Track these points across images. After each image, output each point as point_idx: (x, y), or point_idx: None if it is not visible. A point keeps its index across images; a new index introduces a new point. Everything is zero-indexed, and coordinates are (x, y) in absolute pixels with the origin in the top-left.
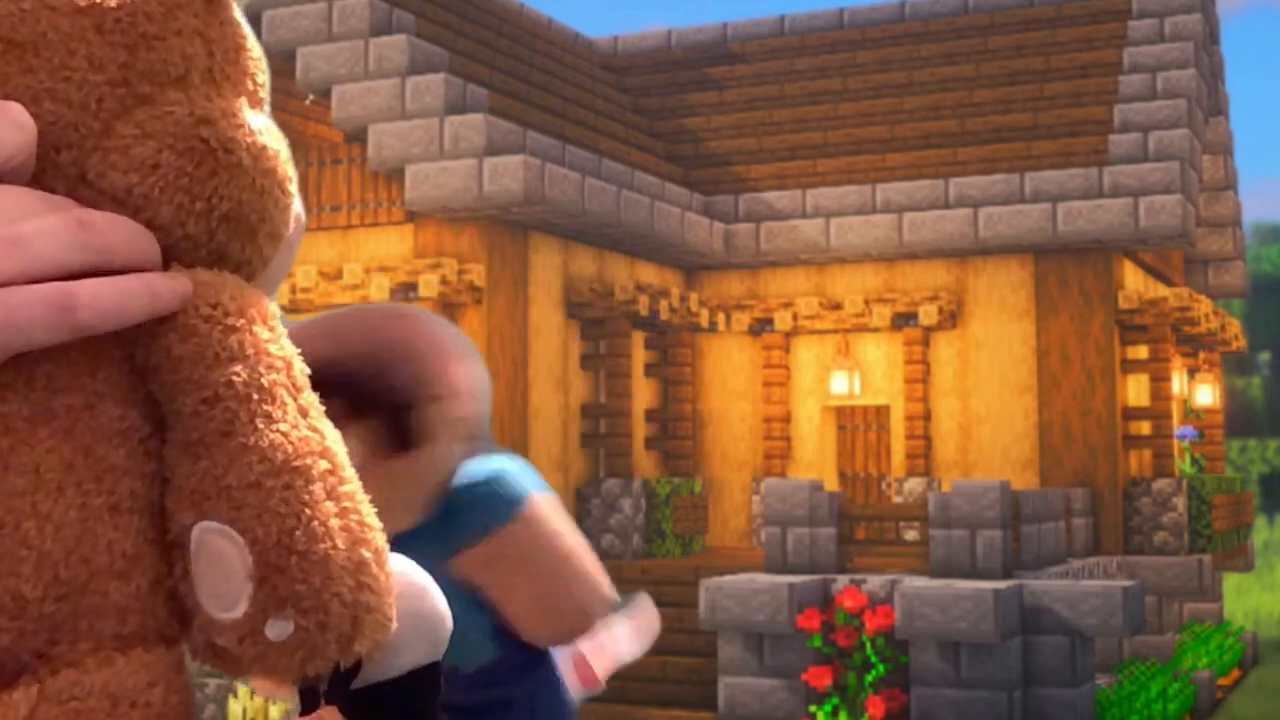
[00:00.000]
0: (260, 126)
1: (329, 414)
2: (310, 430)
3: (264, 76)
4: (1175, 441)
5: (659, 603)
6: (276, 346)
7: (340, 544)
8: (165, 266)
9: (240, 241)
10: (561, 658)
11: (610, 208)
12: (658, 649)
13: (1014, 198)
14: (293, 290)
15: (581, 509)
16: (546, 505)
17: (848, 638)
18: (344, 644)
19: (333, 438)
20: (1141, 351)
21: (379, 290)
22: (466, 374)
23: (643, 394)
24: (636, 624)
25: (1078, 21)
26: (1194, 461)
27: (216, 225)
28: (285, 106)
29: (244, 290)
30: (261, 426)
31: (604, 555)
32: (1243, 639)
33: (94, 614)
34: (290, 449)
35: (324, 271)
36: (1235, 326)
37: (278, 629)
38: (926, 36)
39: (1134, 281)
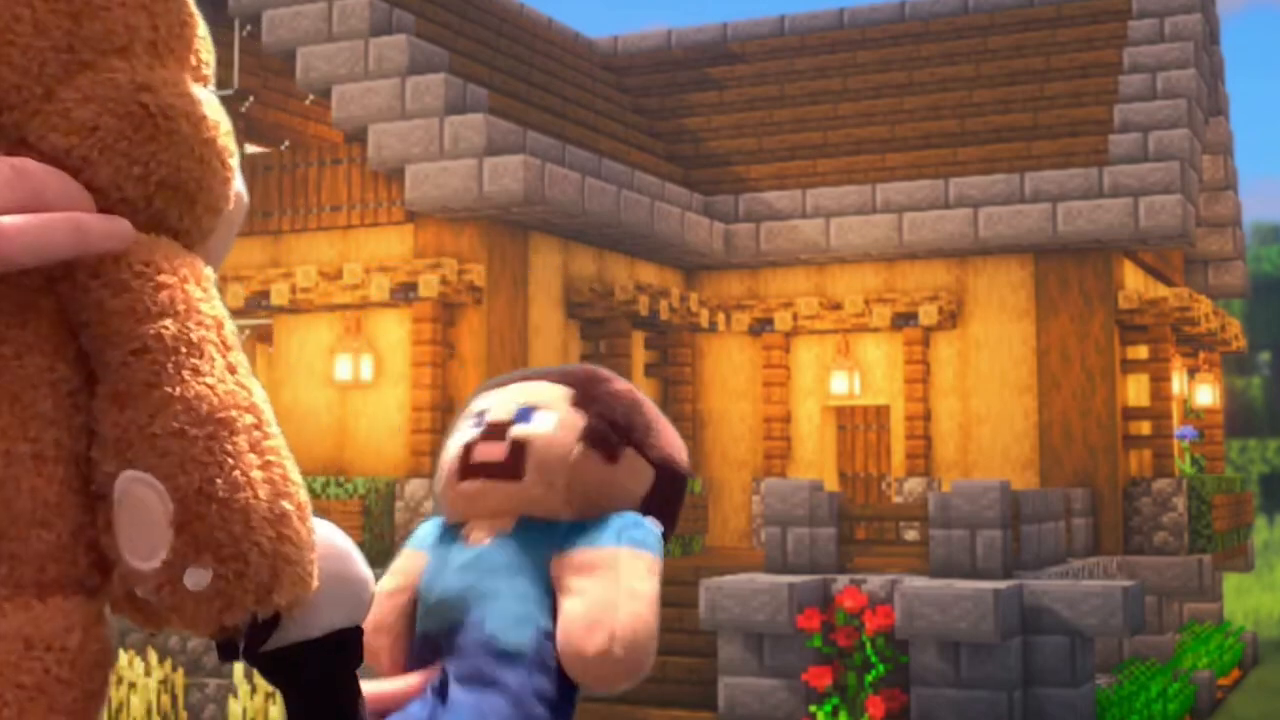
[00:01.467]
0: (202, 98)
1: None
2: (237, 385)
3: (209, 55)
4: (1175, 441)
5: (663, 604)
6: (208, 305)
7: (262, 495)
8: None
9: (178, 209)
10: None
11: (610, 208)
12: (658, 649)
13: (1014, 198)
14: (293, 290)
15: None
16: (658, 567)
17: (848, 638)
18: (262, 594)
19: (260, 396)
20: (1141, 351)
21: (379, 290)
22: (673, 451)
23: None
24: None
25: (1078, 21)
26: (1194, 461)
27: (154, 190)
28: (285, 106)
29: (177, 251)
30: (188, 378)
31: None
32: (1243, 639)
33: (14, 560)
34: (215, 400)
35: (324, 271)
36: (1235, 326)
37: (195, 577)
38: (926, 36)
39: (1134, 281)
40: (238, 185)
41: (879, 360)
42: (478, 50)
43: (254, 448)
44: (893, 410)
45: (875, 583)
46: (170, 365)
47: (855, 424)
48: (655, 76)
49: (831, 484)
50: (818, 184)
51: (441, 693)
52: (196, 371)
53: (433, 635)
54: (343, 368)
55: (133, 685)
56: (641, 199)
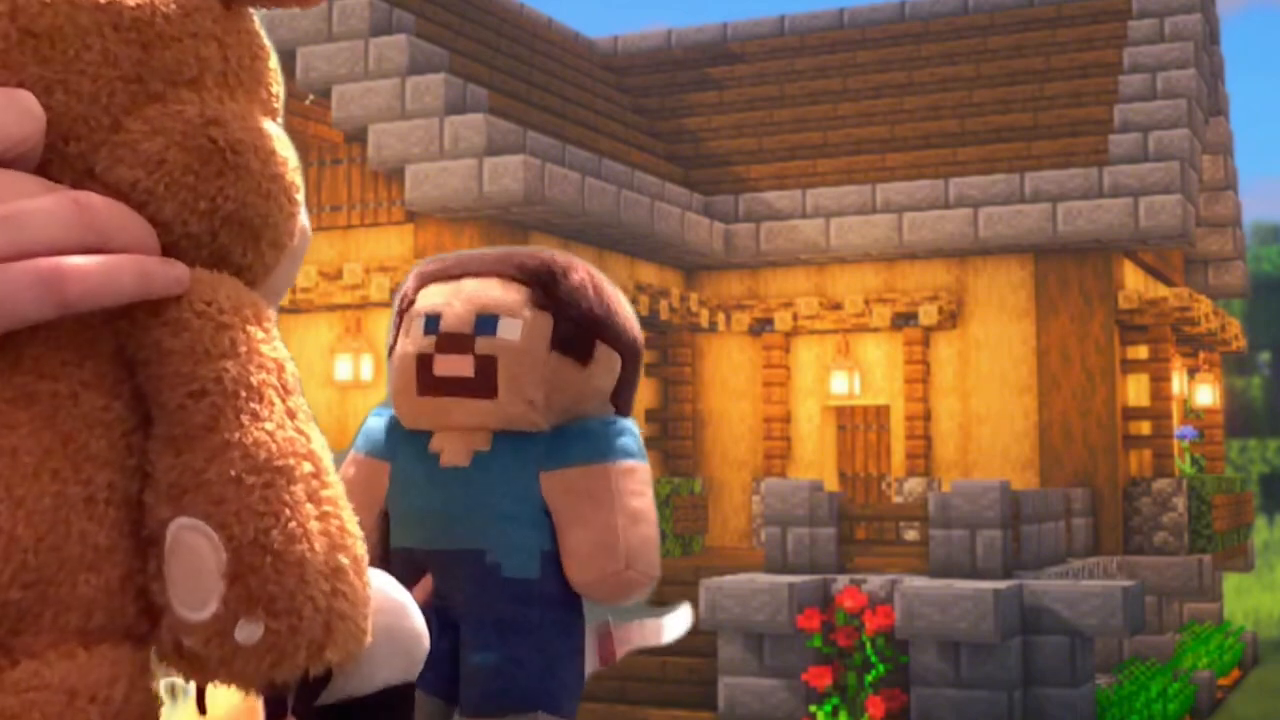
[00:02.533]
0: (271, 132)
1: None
2: (296, 432)
3: (279, 88)
4: (1175, 441)
5: (659, 603)
6: (269, 347)
7: (318, 547)
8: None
9: (243, 245)
10: (591, 630)
11: (610, 208)
12: (658, 649)
13: (1014, 198)
14: (293, 290)
15: None
16: (649, 474)
17: (848, 638)
18: (315, 651)
19: (319, 443)
20: (1141, 351)
21: (379, 290)
22: (637, 347)
23: (643, 394)
24: (670, 623)
25: (1078, 21)
26: (1194, 461)
27: (219, 226)
28: (285, 106)
29: (240, 291)
30: (247, 423)
31: None
32: (1243, 639)
33: (61, 605)
34: (274, 448)
35: (324, 271)
36: (1235, 326)
37: (247, 631)
38: (926, 36)
39: (1134, 281)
40: (302, 219)
41: (879, 360)
42: (478, 50)
43: (311, 497)
44: (893, 410)
45: (875, 583)
46: (229, 409)
47: (855, 424)
48: (655, 76)
49: (831, 484)
50: (818, 184)
51: (442, 617)
52: (256, 417)
53: (417, 553)
54: (343, 368)
55: None
56: (641, 199)
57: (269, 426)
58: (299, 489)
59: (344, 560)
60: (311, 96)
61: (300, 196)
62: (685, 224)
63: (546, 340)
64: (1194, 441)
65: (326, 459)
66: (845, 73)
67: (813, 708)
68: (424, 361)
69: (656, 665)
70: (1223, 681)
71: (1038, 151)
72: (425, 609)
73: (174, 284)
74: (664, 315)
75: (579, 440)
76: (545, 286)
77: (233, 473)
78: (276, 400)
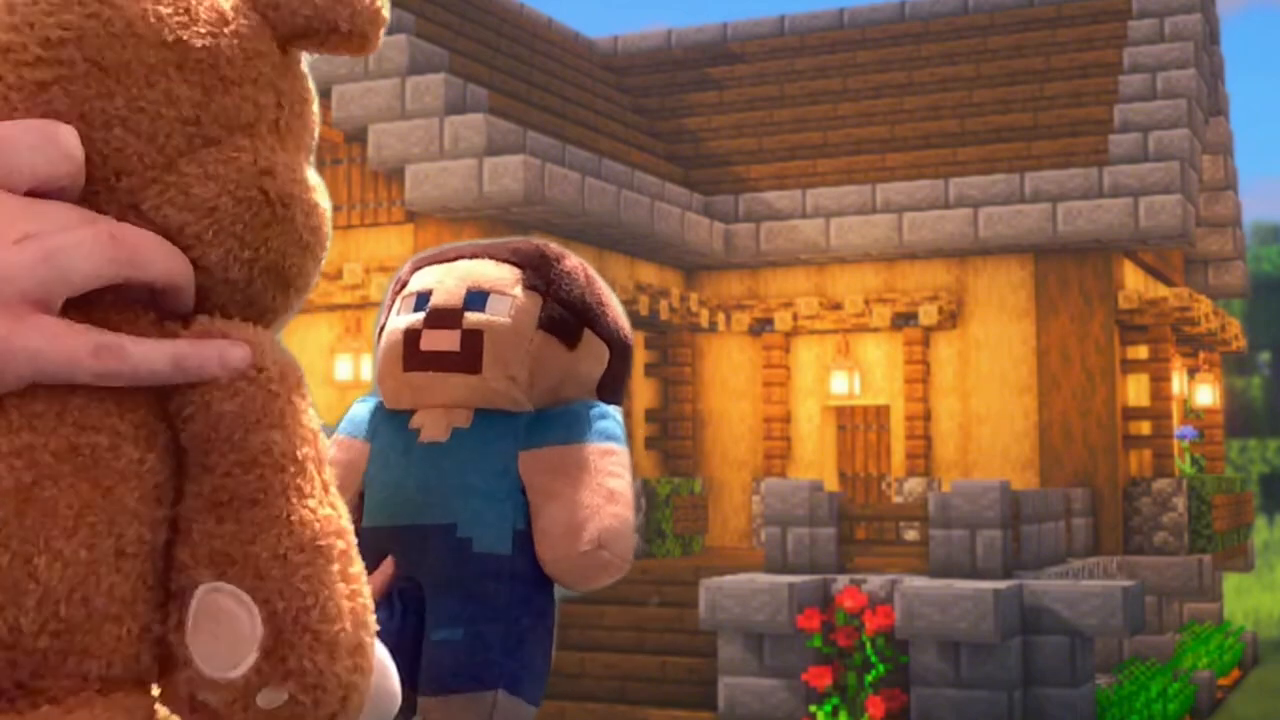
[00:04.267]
0: (315, 184)
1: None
2: (331, 508)
3: (317, 128)
4: (1175, 441)
5: (661, 603)
6: (308, 417)
7: (349, 627)
8: (198, 307)
9: (274, 292)
10: None
11: (610, 208)
12: (658, 649)
13: (1014, 198)
14: None
15: None
16: (628, 459)
17: (848, 638)
18: (329, 719)
19: (345, 515)
20: (1141, 351)
21: (379, 290)
22: (627, 343)
23: (643, 394)
24: None
25: (1078, 21)
26: (1194, 461)
27: (258, 275)
28: None
29: (282, 354)
30: (293, 500)
31: None
32: (1243, 639)
33: (84, 653)
34: (317, 526)
35: (324, 271)
36: (1235, 326)
37: (270, 698)
38: (926, 36)
39: (1134, 281)
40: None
41: (879, 360)
42: (478, 50)
43: (344, 576)
44: (893, 410)
45: (875, 583)
46: (276, 483)
47: (855, 424)
48: (655, 76)
49: (831, 484)
50: (818, 184)
51: (407, 599)
52: (300, 493)
53: (384, 532)
54: (343, 368)
55: None
56: (641, 199)
57: (312, 504)
58: (335, 568)
59: (366, 639)
60: None
61: (329, 243)
62: (685, 224)
63: (534, 319)
64: (1194, 441)
65: (351, 532)
66: (845, 73)
67: (813, 708)
68: (411, 337)
69: (656, 665)
70: (1223, 681)
71: (1038, 151)
72: (386, 593)
73: (240, 362)
74: (664, 315)
75: (560, 420)
76: (537, 268)
77: (280, 550)
78: (316, 475)
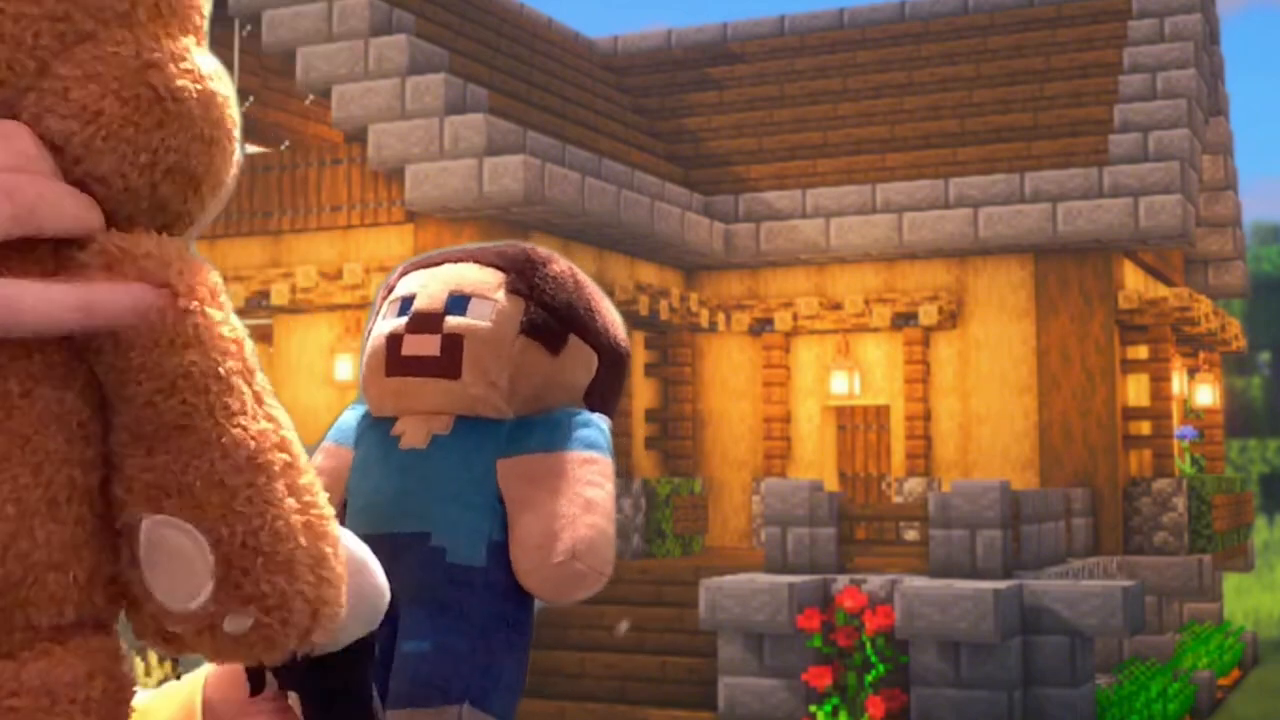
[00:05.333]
0: (210, 70)
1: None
2: (267, 420)
3: (207, 7)
4: (1175, 441)
5: (659, 603)
6: (228, 327)
7: (304, 541)
8: (105, 219)
9: (183, 194)
10: None
11: (610, 208)
12: (658, 649)
13: (1014, 198)
14: (293, 290)
15: None
16: (610, 469)
17: (848, 638)
18: (302, 637)
19: (287, 424)
20: (1141, 351)
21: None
22: (619, 350)
23: (643, 394)
24: None
25: (1078, 21)
26: (1194, 461)
27: (160, 178)
28: (285, 106)
29: (189, 264)
30: (221, 420)
31: None
32: (1243, 639)
33: (30, 606)
34: (252, 444)
35: (324, 271)
36: (1235, 326)
37: (236, 624)
38: (926, 36)
39: (1134, 281)
40: (237, 152)
41: (879, 360)
42: (478, 50)
43: (292, 490)
44: (893, 410)
45: (875, 583)
46: (202, 406)
47: (855, 424)
48: (655, 76)
49: (831, 484)
50: (818, 184)
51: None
52: (228, 410)
53: (366, 540)
54: (343, 368)
55: None
56: (641, 199)
57: (243, 421)
58: (280, 484)
59: (327, 549)
60: (311, 96)
61: (238, 132)
62: (685, 224)
63: (516, 324)
64: (1194, 441)
65: (296, 442)
66: (845, 73)
67: (813, 708)
68: (393, 342)
69: (656, 665)
70: (1223, 681)
71: (1038, 151)
72: None
73: (157, 303)
74: (664, 315)
75: (540, 428)
76: (522, 272)
77: (215, 476)
78: (244, 387)
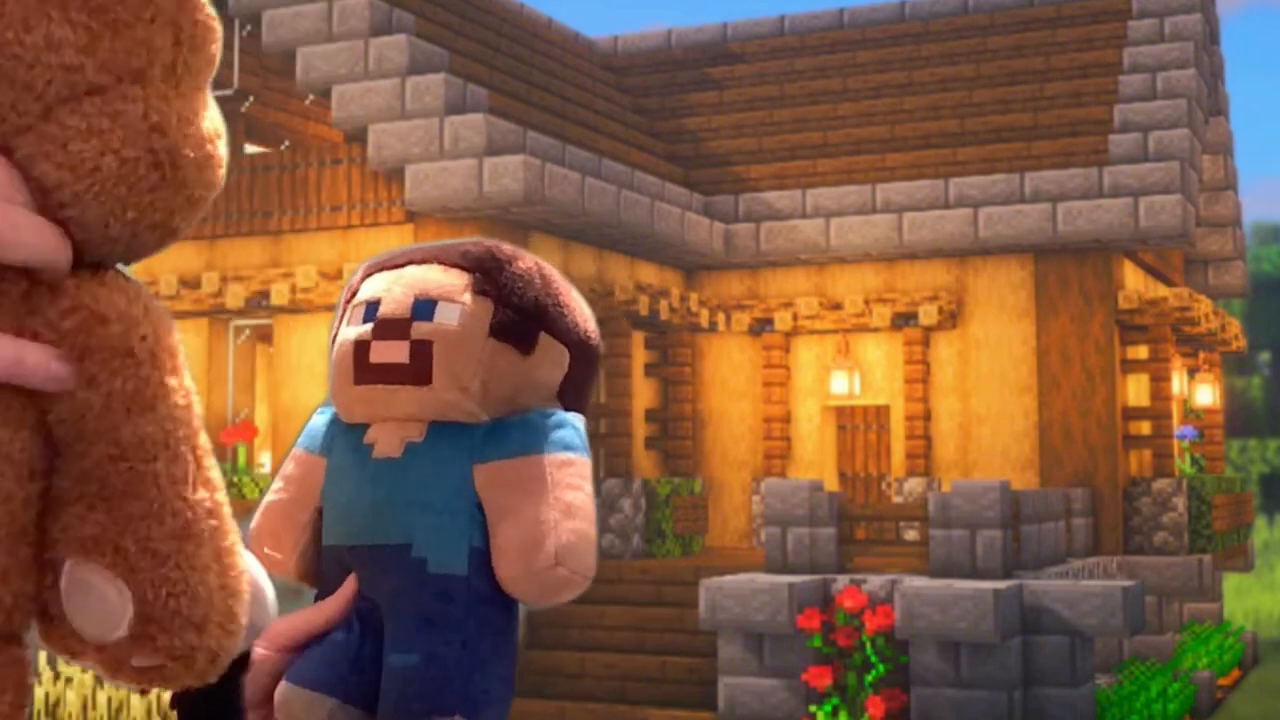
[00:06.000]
0: (212, 131)
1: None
2: (204, 487)
3: (219, 56)
4: (1175, 441)
5: (659, 603)
6: (182, 394)
7: (217, 603)
8: (76, 258)
9: (160, 243)
10: None
11: (610, 208)
12: (658, 649)
13: (1014, 198)
14: (293, 290)
15: None
16: (588, 469)
17: (848, 638)
18: (201, 677)
19: (219, 485)
20: (1141, 351)
21: None
22: (589, 342)
23: (643, 394)
24: None
25: (1078, 21)
26: (1194, 461)
27: (143, 230)
28: (285, 106)
29: (156, 324)
30: (165, 488)
31: (604, 555)
32: (1243, 639)
33: None
34: (189, 515)
35: (324, 271)
36: (1235, 326)
37: (143, 660)
38: (926, 36)
39: (1134, 281)
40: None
41: (879, 360)
42: (478, 50)
43: (215, 555)
44: (893, 410)
45: (875, 583)
46: (149, 474)
47: (855, 424)
48: (655, 76)
49: (831, 484)
50: (818, 184)
51: (366, 620)
52: (172, 479)
53: (342, 551)
54: None
55: None
56: (641, 199)
57: (184, 490)
58: (206, 551)
59: (237, 607)
60: (311, 96)
61: (224, 170)
62: (685, 224)
63: (485, 326)
64: (1194, 441)
65: (225, 505)
66: (845, 73)
67: (813, 708)
68: (361, 349)
69: (656, 665)
70: (1223, 681)
71: (1038, 151)
72: (348, 613)
73: (51, 382)
74: (664, 315)
75: (515, 431)
76: (487, 272)
77: (150, 545)
78: (189, 457)
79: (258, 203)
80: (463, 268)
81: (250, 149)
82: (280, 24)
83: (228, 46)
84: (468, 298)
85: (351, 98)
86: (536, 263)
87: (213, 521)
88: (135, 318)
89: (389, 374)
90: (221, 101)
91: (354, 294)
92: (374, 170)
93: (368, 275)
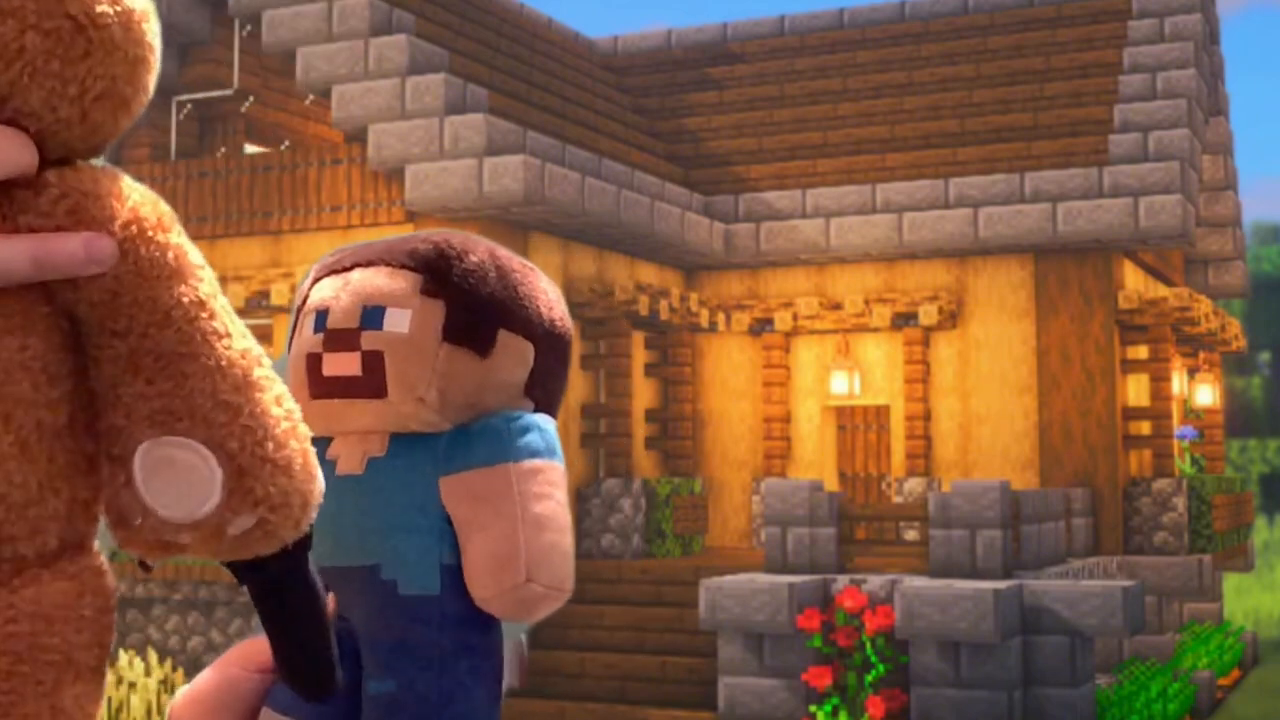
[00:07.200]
0: None
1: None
2: (244, 338)
3: None
4: (1175, 441)
5: (659, 603)
6: (194, 251)
7: (295, 444)
8: (40, 151)
9: (114, 116)
10: (510, 648)
11: (610, 208)
12: (658, 649)
13: (1014, 198)
14: (293, 290)
15: (581, 509)
16: (559, 474)
17: (848, 638)
18: (297, 527)
19: (252, 337)
20: (1141, 351)
21: None
22: (561, 338)
23: (643, 394)
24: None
25: (1078, 21)
26: (1194, 461)
27: (91, 105)
28: (285, 106)
29: (145, 195)
30: (215, 344)
31: (604, 555)
32: (1243, 639)
33: (15, 540)
34: (243, 363)
35: None
36: (1235, 326)
37: (240, 524)
38: (926, 36)
39: (1134, 281)
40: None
41: (879, 360)
42: (478, 50)
43: (276, 400)
44: (893, 410)
45: (875, 583)
46: (196, 334)
47: (855, 424)
48: (655, 76)
49: (831, 484)
50: (818, 184)
51: (344, 642)
52: (218, 334)
53: (317, 571)
54: None
55: (132, 685)
56: (641, 199)
57: (230, 343)
58: (268, 396)
59: (308, 446)
60: (311, 96)
61: (159, 40)
62: (685, 224)
63: (437, 331)
64: (1194, 441)
65: (263, 353)
66: (845, 73)
67: (813, 708)
68: (313, 362)
69: (656, 665)
70: (1223, 681)
71: (1038, 151)
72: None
73: (106, 253)
74: (664, 315)
75: (478, 439)
76: (436, 272)
77: (220, 397)
78: (222, 311)
79: (258, 203)
80: (410, 268)
81: (250, 149)
82: (280, 24)
83: (227, 46)
84: (417, 302)
85: (351, 98)
86: (491, 253)
87: (263, 370)
88: (125, 191)
89: (343, 387)
90: (222, 101)
91: (304, 300)
92: (374, 170)
93: (317, 280)
